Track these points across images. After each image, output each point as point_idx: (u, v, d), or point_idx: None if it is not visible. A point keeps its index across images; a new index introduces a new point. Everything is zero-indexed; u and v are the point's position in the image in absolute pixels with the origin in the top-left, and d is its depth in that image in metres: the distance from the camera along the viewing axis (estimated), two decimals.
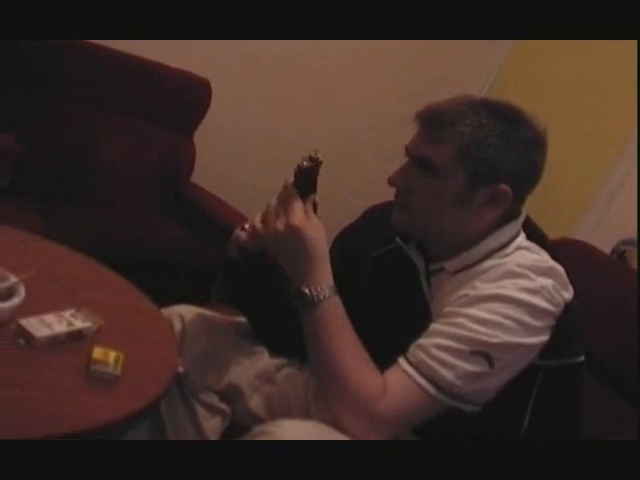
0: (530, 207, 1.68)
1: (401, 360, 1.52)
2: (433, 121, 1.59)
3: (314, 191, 1.63)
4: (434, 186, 1.58)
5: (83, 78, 3.29)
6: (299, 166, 1.60)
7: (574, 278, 1.59)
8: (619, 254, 3.05)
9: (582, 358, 1.64)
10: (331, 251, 1.90)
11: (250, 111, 4.02)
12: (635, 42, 3.20)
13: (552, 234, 2.41)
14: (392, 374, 1.52)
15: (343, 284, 1.61)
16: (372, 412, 1.48)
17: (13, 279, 1.55)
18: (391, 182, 1.63)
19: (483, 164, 1.55)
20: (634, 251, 3.02)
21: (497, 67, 4.55)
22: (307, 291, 1.54)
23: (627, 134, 3.81)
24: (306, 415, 1.75)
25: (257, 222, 1.59)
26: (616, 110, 3.90)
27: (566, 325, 1.56)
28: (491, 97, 1.70)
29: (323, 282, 1.55)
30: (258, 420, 1.79)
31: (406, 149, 1.64)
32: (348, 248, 1.84)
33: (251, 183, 4.02)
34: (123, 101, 3.40)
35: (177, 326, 1.84)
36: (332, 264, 1.85)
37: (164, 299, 1.92)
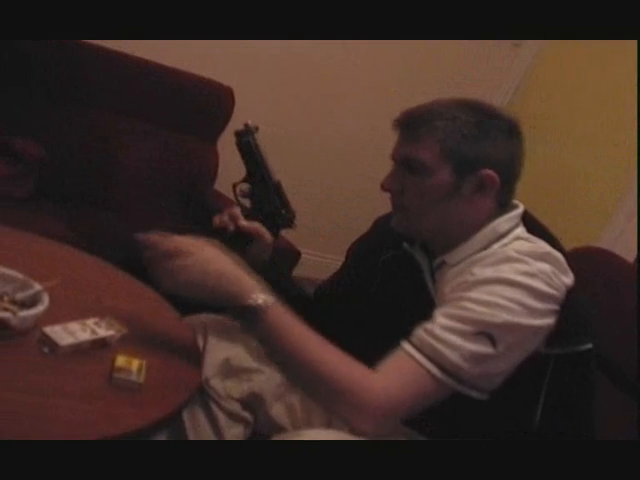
0: (554, 216, 1.70)
1: (404, 344, 1.52)
2: (409, 123, 1.68)
3: (262, 164, 1.82)
4: (423, 184, 1.65)
5: (107, 85, 3.32)
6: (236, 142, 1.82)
7: (599, 287, 1.60)
8: None
9: (590, 346, 1.64)
10: (346, 261, 1.95)
11: (272, 117, 4.02)
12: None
13: (576, 243, 2.41)
14: (395, 358, 1.52)
15: (358, 292, 1.64)
16: (371, 399, 1.47)
17: (37, 287, 1.56)
18: (383, 187, 1.71)
19: (463, 154, 1.63)
20: None
21: (522, 71, 4.53)
22: (249, 302, 1.52)
23: None
24: (328, 424, 1.75)
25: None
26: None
27: (570, 312, 1.57)
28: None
29: (256, 291, 1.53)
30: (280, 429, 1.80)
31: (391, 156, 1.72)
32: (360, 256, 1.92)
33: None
34: (146, 108, 3.43)
35: (199, 334, 1.84)
36: (347, 273, 1.89)
37: (186, 307, 1.92)
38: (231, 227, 1.80)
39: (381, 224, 1.91)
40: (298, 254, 3.16)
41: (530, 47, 4.45)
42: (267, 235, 1.85)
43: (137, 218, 3.25)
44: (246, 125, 1.85)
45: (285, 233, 2.04)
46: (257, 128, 1.80)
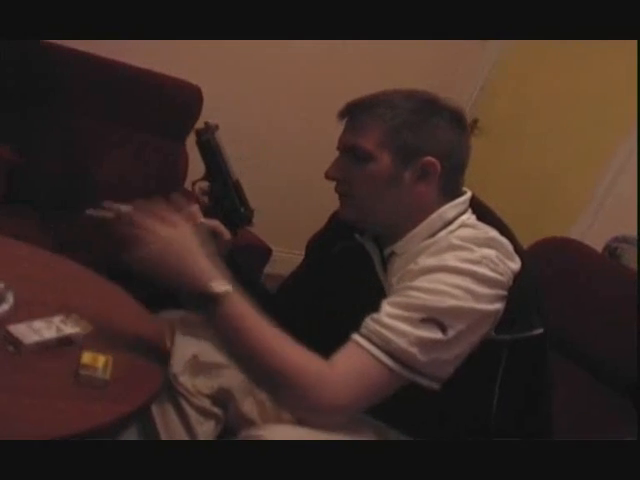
0: (525, 208, 1.70)
1: (353, 335, 1.52)
2: (352, 111, 1.69)
3: (222, 162, 1.82)
4: (365, 171, 1.65)
5: (75, 87, 3.28)
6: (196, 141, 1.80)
7: (567, 276, 1.60)
8: (611, 252, 3.06)
9: (541, 330, 1.65)
10: (305, 256, 1.96)
11: (243, 117, 4.02)
12: (631, 42, 3.20)
13: (546, 234, 2.43)
14: (345, 350, 1.51)
15: (314, 286, 1.70)
16: (324, 393, 1.47)
17: (1, 286, 1.56)
18: (327, 176, 1.71)
19: (404, 142, 1.63)
20: (627, 248, 3.03)
21: (489, 68, 4.56)
22: (207, 289, 1.49)
23: (620, 135, 3.83)
24: (298, 419, 1.75)
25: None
26: (609, 111, 3.92)
27: (519, 296, 1.57)
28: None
29: (216, 278, 1.51)
30: (251, 424, 1.79)
31: (337, 145, 1.73)
32: (315, 250, 1.93)
33: (245, 188, 4.03)
34: (115, 110, 3.40)
35: (167, 331, 1.84)
36: (306, 268, 1.89)
37: (155, 304, 1.92)
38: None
39: (336, 217, 1.90)
40: (269, 251, 3.16)
41: (496, 45, 4.47)
42: (225, 233, 1.83)
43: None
44: (206, 123, 1.85)
45: (257, 231, 2.04)
46: (217, 126, 1.80)
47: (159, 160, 3.53)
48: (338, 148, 1.73)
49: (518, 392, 1.66)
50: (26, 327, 1.52)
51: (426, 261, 1.57)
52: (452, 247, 1.56)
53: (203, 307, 1.51)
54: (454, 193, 1.70)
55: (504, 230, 1.65)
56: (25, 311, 1.58)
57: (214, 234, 1.79)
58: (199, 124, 3.36)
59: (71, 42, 3.18)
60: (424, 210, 1.67)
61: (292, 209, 4.34)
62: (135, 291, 1.92)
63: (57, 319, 1.59)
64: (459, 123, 1.70)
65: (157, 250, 1.52)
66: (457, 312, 1.50)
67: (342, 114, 1.71)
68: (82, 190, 3.26)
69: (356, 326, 1.54)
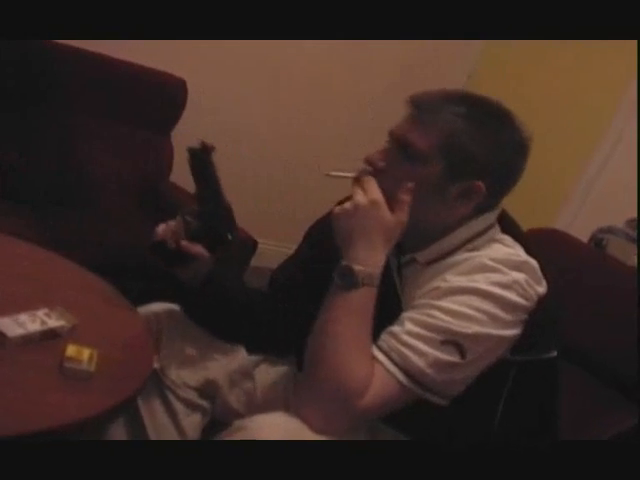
0: (510, 199, 1.68)
1: (372, 348, 1.51)
2: (423, 106, 1.59)
3: (214, 185, 1.73)
4: (410, 171, 1.56)
5: (60, 81, 3.27)
6: (189, 160, 1.70)
7: (553, 267, 1.59)
8: (597, 242, 3.07)
9: (554, 353, 1.63)
10: (302, 244, 1.91)
11: (229, 109, 4.02)
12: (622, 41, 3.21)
13: (532, 225, 2.43)
14: None
15: (317, 278, 1.62)
16: (346, 403, 1.46)
17: None
18: (369, 160, 1.61)
19: (463, 157, 1.55)
20: (612, 239, 3.04)
21: (473, 63, 4.56)
22: (356, 271, 1.51)
23: (603, 125, 3.84)
24: (285, 410, 1.74)
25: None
26: (592, 102, 3.93)
27: (538, 320, 1.54)
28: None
29: (377, 267, 1.53)
30: (238, 416, 1.78)
31: (390, 133, 1.63)
32: (319, 240, 1.83)
33: (231, 181, 4.01)
34: (99, 103, 3.39)
35: (153, 323, 1.83)
36: (305, 258, 1.85)
37: (142, 298, 1.92)
38: (172, 244, 1.70)
39: None
40: (255, 243, 3.15)
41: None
42: (207, 256, 1.74)
43: (98, 213, 3.23)
44: (203, 144, 1.72)
45: (242, 223, 2.00)
46: (214, 148, 1.70)
47: (145, 153, 3.52)
48: (391, 135, 1.62)
49: (523, 411, 1.64)
50: (10, 320, 1.52)
51: (455, 280, 1.53)
52: (483, 268, 1.52)
53: (339, 275, 1.52)
54: (489, 209, 1.64)
55: (530, 247, 1.62)
56: (9, 305, 1.57)
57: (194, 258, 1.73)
58: (186, 117, 3.39)
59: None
60: (454, 222, 1.61)
61: (278, 201, 4.33)
62: (122, 285, 1.92)
63: (41, 312, 1.59)
64: (524, 149, 1.61)
65: (346, 211, 1.54)
66: (479, 338, 1.48)
67: (410, 102, 1.60)
68: (75, 186, 3.26)
69: None
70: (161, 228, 1.72)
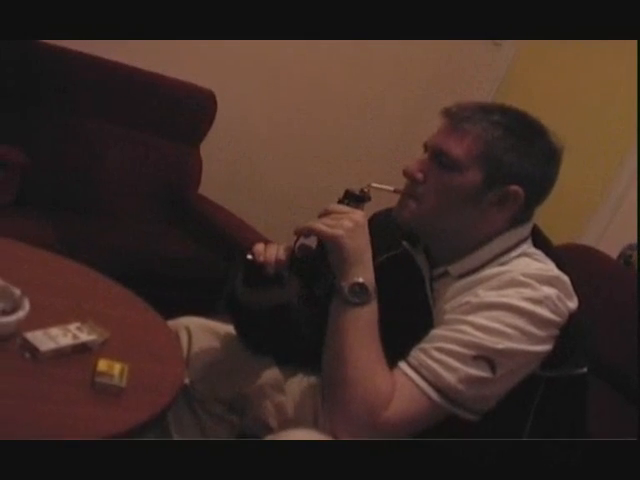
0: (538, 213, 1.67)
1: (402, 364, 1.50)
2: (459, 116, 1.60)
3: None
4: (449, 181, 1.57)
5: (89, 91, 3.30)
6: (348, 190, 1.63)
7: (582, 283, 1.58)
8: (625, 259, 3.04)
9: (585, 370, 1.62)
10: None
11: (257, 122, 4.02)
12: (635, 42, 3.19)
13: (560, 240, 2.42)
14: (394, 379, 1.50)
15: None
16: (374, 420, 1.45)
17: (17, 293, 1.56)
18: (407, 173, 1.62)
19: (502, 166, 1.56)
20: None
21: (503, 71, 4.54)
22: (369, 286, 1.52)
23: (632, 138, 3.80)
24: (315, 424, 1.74)
25: (318, 225, 1.54)
26: (621, 114, 3.90)
27: (570, 336, 1.54)
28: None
29: (373, 281, 1.54)
30: (269, 429, 1.79)
31: (425, 145, 1.64)
32: None
33: (258, 194, 4.03)
34: (128, 113, 3.42)
35: (183, 338, 1.84)
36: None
37: (170, 310, 1.92)
38: (270, 270, 1.65)
39: (377, 221, 1.82)
40: None
41: (510, 46, 4.46)
42: (293, 293, 1.77)
43: (121, 223, 3.25)
44: (362, 192, 1.65)
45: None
46: (370, 199, 1.66)
47: (172, 164, 3.53)
48: (427, 146, 1.64)
49: (552, 427, 1.62)
50: (42, 334, 1.53)
51: (486, 295, 1.52)
52: (515, 283, 1.51)
53: (357, 298, 1.52)
54: (522, 221, 1.64)
55: (561, 262, 1.61)
56: (41, 318, 1.58)
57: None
58: (215, 129, 3.39)
59: (85, 47, 3.20)
60: (488, 233, 1.61)
61: (307, 212, 4.33)
62: (147, 295, 1.92)
63: (73, 326, 1.60)
64: (556, 159, 1.62)
65: (350, 229, 1.53)
66: (510, 353, 1.47)
67: (446, 113, 1.62)
68: (91, 193, 3.28)
69: (397, 341, 1.51)
70: (262, 248, 1.67)
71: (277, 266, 1.64)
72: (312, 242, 1.63)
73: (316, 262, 1.64)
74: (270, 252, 1.65)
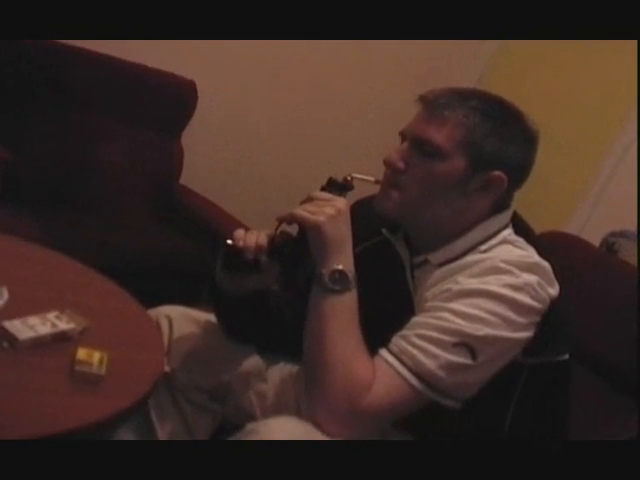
0: (521, 203, 1.67)
1: (382, 351, 1.50)
2: (436, 103, 1.60)
3: None
4: (432, 169, 1.57)
5: (71, 83, 3.28)
6: (331, 178, 1.63)
7: (565, 271, 1.58)
8: (608, 246, 3.05)
9: (567, 356, 1.62)
10: None
11: (238, 112, 4.01)
12: (626, 42, 3.19)
13: (543, 229, 2.42)
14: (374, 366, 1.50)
15: None
16: (354, 405, 1.45)
17: None
18: (387, 162, 1.62)
19: (484, 151, 1.56)
20: (623, 243, 3.02)
21: (484, 65, 4.55)
22: (348, 273, 1.52)
23: (614, 129, 3.82)
24: (298, 411, 1.74)
25: (300, 211, 1.53)
26: (604, 105, 3.91)
27: (551, 322, 1.54)
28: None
29: (352, 269, 1.54)
30: (251, 417, 1.79)
31: (402, 133, 1.64)
32: None
33: (240, 184, 4.02)
34: (107, 103, 3.40)
35: (164, 326, 1.83)
36: None
37: (154, 302, 1.92)
38: (249, 255, 1.64)
39: (359, 209, 1.79)
40: None
41: (492, 43, 4.46)
42: (273, 278, 1.75)
43: (106, 214, 3.24)
44: (345, 180, 1.65)
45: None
46: (352, 187, 1.65)
47: (153, 155, 3.52)
48: (404, 135, 1.64)
49: (534, 414, 1.63)
50: (21, 323, 1.52)
51: (467, 282, 1.52)
52: (495, 270, 1.51)
53: (338, 285, 1.51)
54: (502, 207, 1.65)
55: (542, 249, 1.61)
56: (20, 307, 1.57)
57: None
58: (197, 119, 3.36)
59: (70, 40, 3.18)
60: (470, 221, 1.61)
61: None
62: (132, 286, 1.92)
63: (52, 315, 1.59)
64: (534, 142, 1.63)
65: (345, 228, 1.54)
66: (491, 340, 1.47)
67: (423, 101, 1.62)
68: (75, 186, 3.26)
69: (378, 329, 1.51)
70: (242, 233, 1.66)
71: (257, 251, 1.63)
72: (294, 229, 1.63)
73: (296, 248, 1.64)
74: (250, 237, 1.64)
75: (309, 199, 1.57)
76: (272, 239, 1.64)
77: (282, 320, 1.82)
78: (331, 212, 1.52)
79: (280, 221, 1.60)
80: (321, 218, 1.51)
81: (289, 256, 1.67)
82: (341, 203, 1.55)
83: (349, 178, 1.64)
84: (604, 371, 2.18)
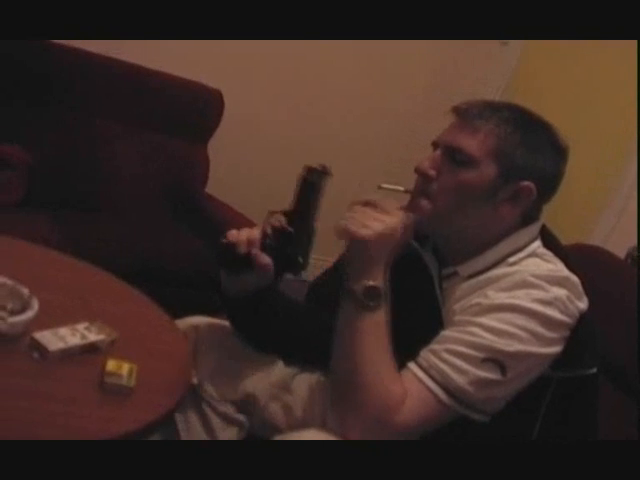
0: (545, 213, 1.67)
1: (411, 365, 1.50)
2: (469, 113, 1.60)
3: (313, 208, 1.66)
4: (464, 177, 1.57)
5: (96, 90, 3.31)
6: (311, 166, 1.63)
7: (591, 283, 1.57)
8: (633, 258, 3.04)
9: (594, 370, 1.61)
10: (340, 259, 1.89)
11: (263, 121, 4.03)
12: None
13: (567, 240, 2.41)
14: (403, 380, 1.49)
15: None
16: (388, 423, 1.44)
17: (26, 292, 1.56)
18: (419, 170, 1.61)
19: (515, 161, 1.56)
20: None
21: (510, 71, 4.54)
22: (381, 289, 1.51)
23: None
24: (323, 423, 1.74)
25: (348, 224, 1.50)
26: (629, 113, 3.89)
27: (580, 337, 1.53)
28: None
29: (386, 284, 1.53)
30: (276, 429, 1.79)
31: (435, 143, 1.64)
32: None
33: (265, 193, 4.02)
34: (135, 112, 3.42)
35: (191, 337, 1.84)
36: (341, 264, 1.83)
37: (177, 310, 1.92)
38: (242, 250, 1.65)
39: None
40: None
41: (516, 45, 4.45)
42: (270, 272, 1.70)
43: (127, 221, 3.24)
44: (324, 167, 1.67)
45: None
46: (331, 174, 1.66)
47: (180, 163, 3.54)
48: (437, 144, 1.63)
49: (561, 428, 1.61)
50: (51, 334, 1.53)
51: (496, 296, 1.51)
52: (525, 284, 1.50)
53: (372, 301, 1.50)
54: (532, 220, 1.64)
55: (570, 262, 1.60)
56: (49, 317, 1.58)
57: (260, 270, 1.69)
58: (223, 128, 3.37)
59: (92, 46, 3.20)
60: (499, 232, 1.60)
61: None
62: (159, 295, 1.92)
63: (81, 326, 1.60)
64: (564, 154, 1.63)
65: (379, 234, 1.50)
66: (521, 356, 1.47)
67: (457, 111, 1.63)
68: (99, 192, 3.28)
69: (406, 341, 1.50)
70: (235, 231, 1.68)
71: (249, 245, 1.64)
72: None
73: (288, 240, 1.65)
74: (242, 233, 1.66)
75: (366, 203, 1.55)
76: (264, 232, 1.65)
77: (299, 328, 1.83)
78: (380, 229, 1.49)
79: (338, 235, 1.56)
80: (368, 233, 1.49)
81: (280, 249, 1.67)
82: (394, 221, 1.52)
83: (327, 165, 1.64)
84: (625, 382, 2.17)
